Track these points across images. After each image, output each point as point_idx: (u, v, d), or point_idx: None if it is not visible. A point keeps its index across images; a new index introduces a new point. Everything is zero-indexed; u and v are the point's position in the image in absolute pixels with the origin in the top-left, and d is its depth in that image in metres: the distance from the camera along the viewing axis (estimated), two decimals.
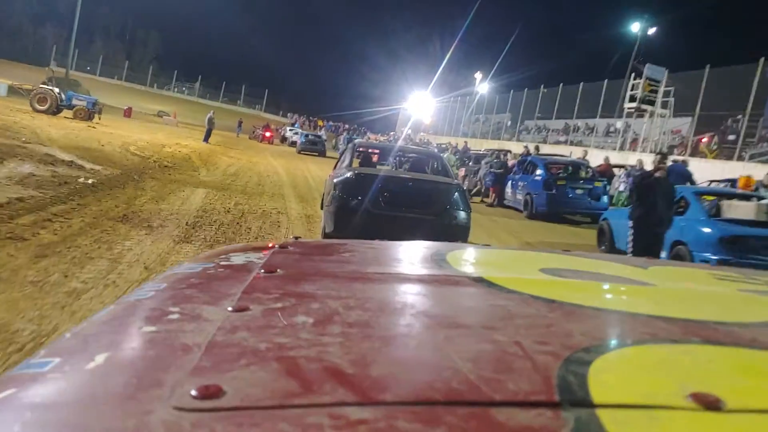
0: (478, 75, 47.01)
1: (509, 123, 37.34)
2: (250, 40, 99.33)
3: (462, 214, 6.32)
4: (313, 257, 1.12)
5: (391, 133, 49.12)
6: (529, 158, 14.88)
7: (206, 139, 25.33)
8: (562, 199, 12.66)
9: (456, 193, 6.44)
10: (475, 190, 15.87)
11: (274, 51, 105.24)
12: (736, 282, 1.17)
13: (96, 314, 0.77)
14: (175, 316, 0.68)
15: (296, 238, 1.34)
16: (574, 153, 21.40)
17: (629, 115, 22.36)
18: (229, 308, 0.69)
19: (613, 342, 0.70)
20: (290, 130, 38.56)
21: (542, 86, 33.18)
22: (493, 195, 15.00)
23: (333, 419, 0.44)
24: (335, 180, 6.47)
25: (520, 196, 13.81)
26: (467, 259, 1.26)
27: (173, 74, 71.61)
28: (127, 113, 32.62)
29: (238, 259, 1.02)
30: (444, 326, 0.68)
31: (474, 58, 56.97)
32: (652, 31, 31.35)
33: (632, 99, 21.27)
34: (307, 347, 0.57)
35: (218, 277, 0.91)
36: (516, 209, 13.79)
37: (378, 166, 8.34)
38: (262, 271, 0.90)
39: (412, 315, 0.73)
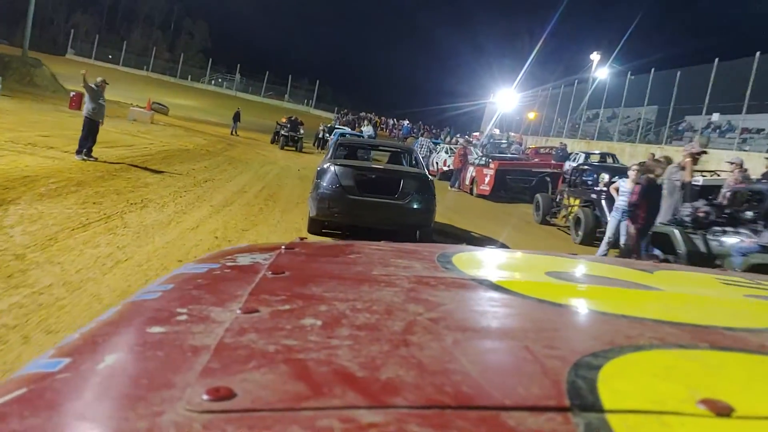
0: (595, 56, 33.35)
1: (654, 119, 23.94)
2: (306, 29, 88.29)
3: (425, 200, 7.09)
4: (319, 258, 1.11)
5: (474, 134, 35.45)
6: None
7: (84, 148, 10.29)
8: None
9: (420, 182, 7.23)
10: None
11: (334, 39, 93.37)
12: (741, 287, 1.17)
13: (104, 314, 0.75)
14: (183, 317, 0.67)
15: (302, 239, 1.29)
16: None
17: None
18: (238, 310, 0.69)
19: (622, 347, 0.65)
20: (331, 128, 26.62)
21: (679, 66, 21.20)
22: None
23: (344, 422, 0.44)
24: (318, 170, 7.32)
25: None
26: (474, 261, 1.24)
27: (208, 64, 60.84)
28: (74, 103, 21.54)
29: (244, 260, 1.01)
30: (452, 329, 0.68)
31: (584, 35, 43.04)
32: None
33: None
34: (316, 350, 0.57)
35: (225, 278, 0.90)
36: None
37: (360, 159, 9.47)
38: (270, 272, 0.89)
39: (419, 318, 0.72)
